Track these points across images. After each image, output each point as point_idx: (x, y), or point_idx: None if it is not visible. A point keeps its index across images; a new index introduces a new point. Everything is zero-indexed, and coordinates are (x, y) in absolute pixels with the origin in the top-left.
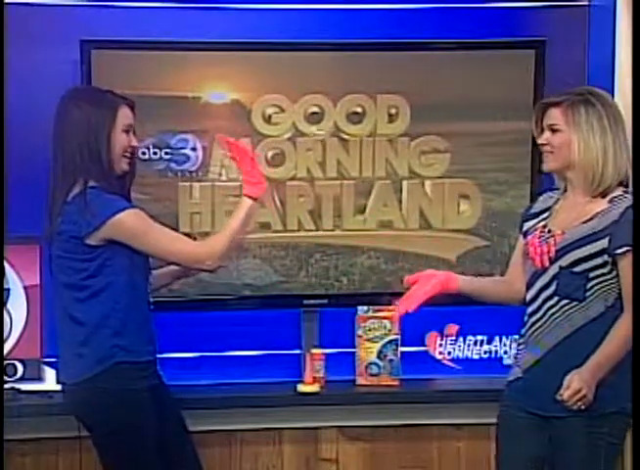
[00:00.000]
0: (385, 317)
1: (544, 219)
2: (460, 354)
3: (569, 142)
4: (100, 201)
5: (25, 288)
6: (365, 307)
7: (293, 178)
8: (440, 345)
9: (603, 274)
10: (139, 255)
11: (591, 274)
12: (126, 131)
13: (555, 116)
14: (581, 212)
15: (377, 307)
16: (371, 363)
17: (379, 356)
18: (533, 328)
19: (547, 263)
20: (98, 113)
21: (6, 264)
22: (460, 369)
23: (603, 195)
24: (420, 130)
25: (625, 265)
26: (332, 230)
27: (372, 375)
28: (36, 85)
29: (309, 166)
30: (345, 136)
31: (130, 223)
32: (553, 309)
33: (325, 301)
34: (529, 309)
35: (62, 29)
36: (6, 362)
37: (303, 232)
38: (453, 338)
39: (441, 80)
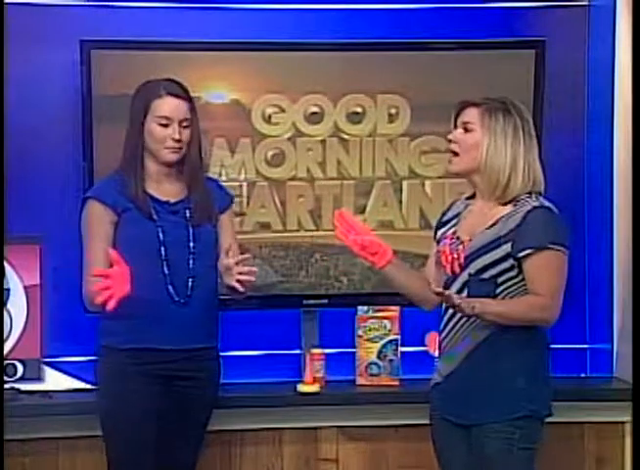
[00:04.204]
0: (385, 317)
1: (454, 226)
2: None
3: (479, 143)
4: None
5: (25, 288)
6: (365, 307)
7: (293, 178)
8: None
9: (511, 278)
10: (139, 241)
11: (499, 279)
12: (164, 122)
13: (472, 114)
14: (486, 218)
15: (377, 307)
16: (371, 363)
17: (379, 356)
18: (450, 335)
19: (457, 270)
20: (137, 103)
21: (6, 264)
22: None
23: (510, 202)
24: (420, 130)
25: (529, 267)
26: (332, 230)
27: (372, 375)
28: (36, 85)
29: (309, 166)
30: (345, 136)
31: (84, 216)
32: (465, 316)
33: (325, 301)
34: (445, 316)
35: (62, 29)
36: (6, 362)
37: (303, 232)
38: None
39: (441, 80)
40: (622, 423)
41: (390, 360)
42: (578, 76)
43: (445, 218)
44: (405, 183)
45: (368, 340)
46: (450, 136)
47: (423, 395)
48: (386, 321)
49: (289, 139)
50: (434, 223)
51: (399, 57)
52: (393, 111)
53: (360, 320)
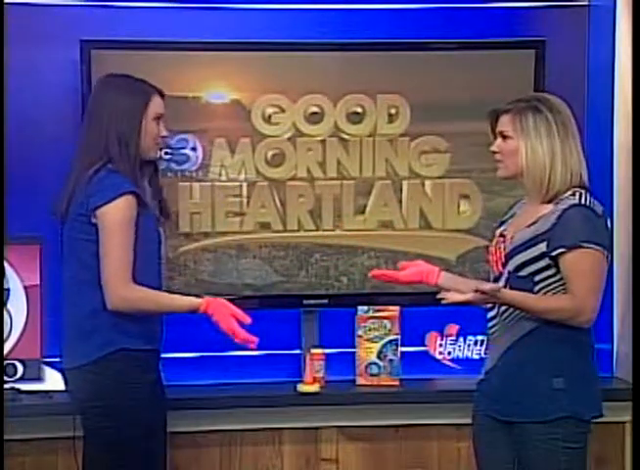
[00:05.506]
0: (385, 317)
1: (507, 225)
2: (460, 354)
3: (517, 149)
4: (107, 181)
5: (25, 288)
6: (365, 307)
7: (293, 178)
8: (440, 345)
9: (548, 277)
10: (149, 238)
11: (536, 277)
12: (157, 119)
13: (505, 122)
14: (529, 217)
15: (377, 307)
16: (371, 363)
17: (379, 356)
18: (492, 332)
19: (501, 268)
20: (131, 100)
21: (6, 264)
22: (460, 369)
23: (554, 199)
24: (420, 130)
25: (563, 266)
26: (332, 230)
27: (372, 375)
28: (36, 85)
29: (309, 166)
30: (345, 136)
31: (121, 211)
32: (506, 313)
33: (325, 301)
34: (490, 313)
35: (62, 29)
36: (6, 362)
37: (303, 232)
38: (453, 338)
39: (441, 80)
40: (622, 423)
41: (390, 360)
42: (578, 76)
43: (504, 218)
44: (405, 183)
45: (368, 340)
46: (493, 147)
47: (423, 395)
48: (386, 321)
49: (289, 139)
50: (433, 223)
51: (399, 57)
52: (393, 111)
53: (360, 320)
